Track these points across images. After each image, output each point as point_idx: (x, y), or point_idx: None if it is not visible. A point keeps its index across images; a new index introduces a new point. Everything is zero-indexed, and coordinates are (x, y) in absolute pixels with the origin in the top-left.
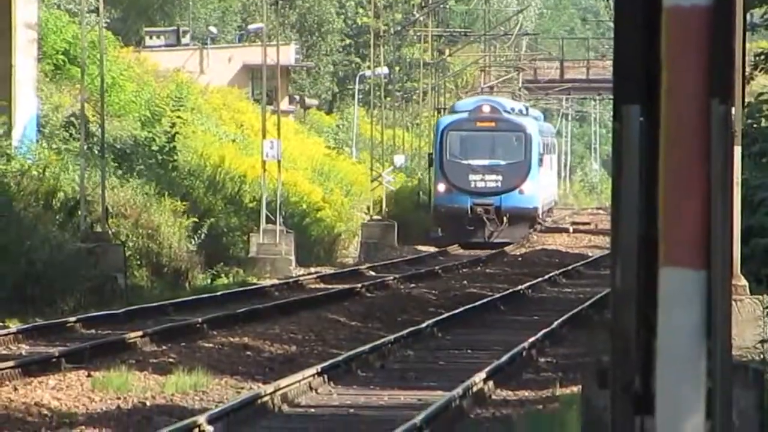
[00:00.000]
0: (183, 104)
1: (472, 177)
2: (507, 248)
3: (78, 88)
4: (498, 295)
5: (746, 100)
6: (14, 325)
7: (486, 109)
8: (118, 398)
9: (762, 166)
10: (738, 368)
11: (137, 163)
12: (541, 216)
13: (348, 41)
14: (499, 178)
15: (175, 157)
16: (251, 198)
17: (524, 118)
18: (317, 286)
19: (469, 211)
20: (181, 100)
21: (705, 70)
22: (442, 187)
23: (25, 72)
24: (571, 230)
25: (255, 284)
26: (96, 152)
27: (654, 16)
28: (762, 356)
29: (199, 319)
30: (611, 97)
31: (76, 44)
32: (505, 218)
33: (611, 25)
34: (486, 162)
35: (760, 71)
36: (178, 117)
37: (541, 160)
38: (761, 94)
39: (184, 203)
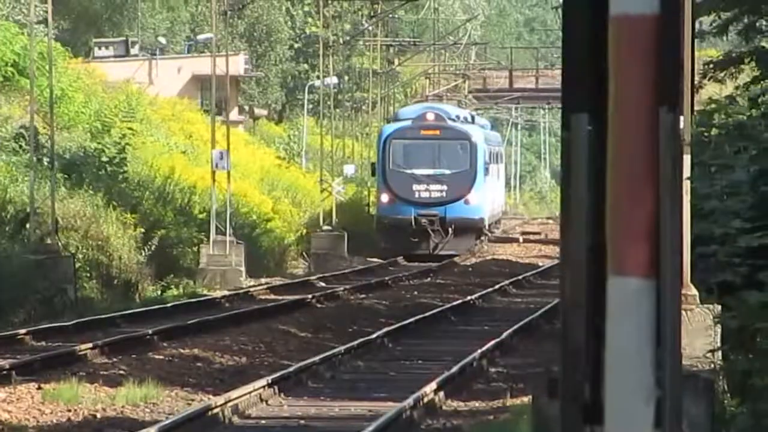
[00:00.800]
0: (133, 115)
1: (416, 187)
2: (457, 258)
3: (27, 99)
4: (448, 306)
5: (696, 108)
6: None
7: (430, 116)
8: (69, 410)
9: (711, 175)
10: (688, 378)
11: (87, 174)
12: (487, 227)
13: (297, 49)
14: (444, 187)
15: (125, 168)
16: (201, 209)
17: (470, 126)
18: (268, 297)
19: (413, 222)
20: (131, 111)
21: (653, 78)
22: (385, 197)
23: None
24: (521, 240)
25: (205, 295)
26: (46, 164)
27: (601, 24)
28: (712, 366)
29: (150, 331)
30: (560, 106)
31: (25, 55)
32: (450, 229)
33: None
34: (430, 171)
35: (708, 80)
36: (129, 128)
37: (487, 170)
38: (711, 102)
39: (133, 216)
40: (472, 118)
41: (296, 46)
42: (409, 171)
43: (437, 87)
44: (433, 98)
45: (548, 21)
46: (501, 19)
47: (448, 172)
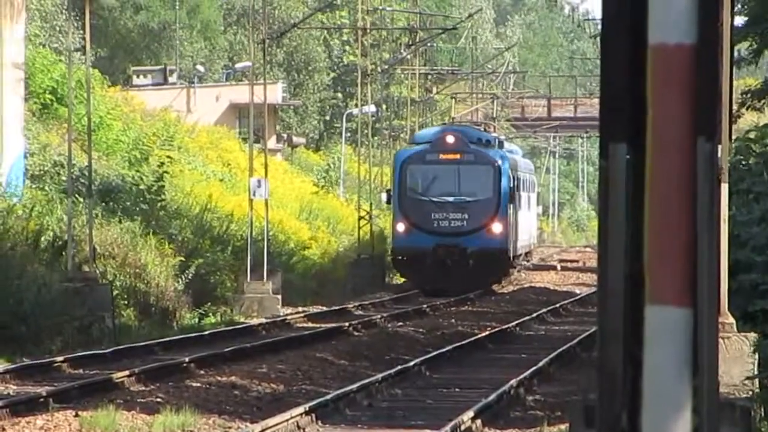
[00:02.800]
0: (171, 143)
1: (435, 215)
2: (495, 287)
3: (65, 127)
4: (486, 333)
5: (734, 136)
6: (1, 365)
7: (450, 139)
8: None
9: (749, 203)
10: (725, 406)
11: (124, 202)
12: (512, 259)
13: (335, 78)
14: (465, 216)
15: (163, 197)
16: (238, 237)
17: (493, 150)
18: (304, 324)
19: (433, 253)
20: (169, 139)
21: (691, 107)
22: (401, 226)
23: (11, 111)
24: (558, 267)
25: (242, 323)
26: (83, 192)
27: (640, 54)
28: (749, 394)
29: (187, 359)
30: (598, 134)
31: (63, 83)
32: (470, 262)
33: (598, 62)
34: (450, 198)
35: (747, 108)
36: (167, 156)
37: (512, 197)
38: (749, 131)
39: (171, 246)
40: (499, 142)
41: (333, 75)
42: (427, 198)
43: (474, 114)
44: (459, 121)
45: (587, 52)
46: (542, 49)
47: (469, 199)
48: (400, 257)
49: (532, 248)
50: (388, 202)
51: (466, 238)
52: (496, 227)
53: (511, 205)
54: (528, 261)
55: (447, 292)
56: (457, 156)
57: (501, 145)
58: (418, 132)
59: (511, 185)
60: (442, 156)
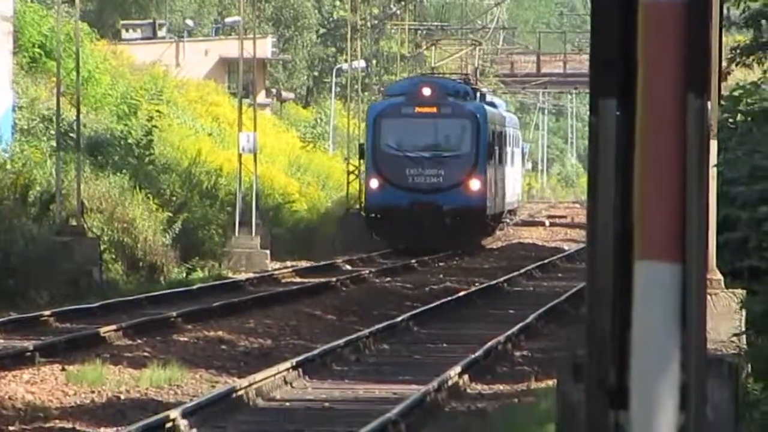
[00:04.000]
0: (160, 97)
1: (409, 171)
2: (483, 242)
3: (54, 81)
4: (474, 289)
5: (723, 94)
6: None
7: (426, 91)
8: (93, 392)
9: (738, 160)
10: (713, 362)
11: (113, 156)
12: (492, 218)
13: (324, 33)
14: (441, 172)
15: (152, 151)
16: (227, 192)
17: (472, 102)
18: (293, 279)
19: (408, 211)
20: (158, 94)
21: (681, 64)
22: (375, 183)
23: (0, 65)
24: (547, 223)
25: (230, 278)
26: (72, 145)
27: (631, 10)
28: (737, 350)
29: (174, 313)
30: (588, 91)
31: (52, 37)
32: (447, 220)
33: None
34: (426, 153)
35: (736, 65)
36: (156, 110)
37: (492, 152)
38: (734, 89)
39: (159, 201)
40: (481, 94)
41: (323, 30)
42: (401, 153)
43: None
44: (440, 72)
45: (577, 5)
46: (532, 2)
47: (446, 154)
48: (373, 215)
49: (517, 207)
50: (361, 157)
51: (443, 195)
52: (474, 184)
53: (491, 161)
54: (510, 221)
55: (422, 252)
56: (434, 109)
57: (483, 97)
58: (392, 84)
59: (491, 140)
60: (417, 109)
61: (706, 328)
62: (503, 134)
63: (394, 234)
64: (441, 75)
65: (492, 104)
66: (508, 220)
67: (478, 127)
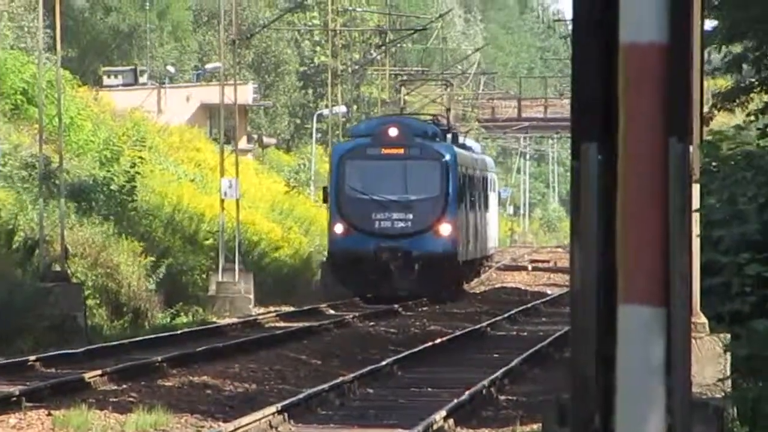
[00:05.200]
0: (143, 144)
1: (376, 215)
2: (466, 286)
3: (36, 128)
4: (458, 333)
5: (705, 138)
6: None
7: (393, 132)
8: None
9: (720, 205)
10: (698, 406)
11: (96, 202)
12: (463, 265)
13: (305, 77)
14: (410, 216)
15: (135, 197)
16: (209, 237)
17: (441, 143)
18: (277, 324)
19: (374, 257)
20: (140, 140)
21: (663, 107)
22: (339, 227)
23: None
24: (530, 268)
25: (214, 323)
26: (55, 192)
27: (611, 53)
28: (722, 394)
29: (159, 358)
30: (569, 135)
31: (34, 84)
32: (415, 266)
33: (569, 62)
34: (393, 197)
35: (719, 110)
36: (139, 157)
37: (463, 195)
38: (718, 132)
39: (141, 244)
40: (453, 135)
41: (303, 70)
42: (367, 196)
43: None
44: (411, 113)
45: (559, 49)
46: (513, 47)
47: (413, 197)
48: (337, 262)
49: (492, 253)
50: (325, 201)
51: (411, 241)
52: (445, 229)
53: (463, 205)
54: (487, 268)
55: (390, 300)
56: (401, 150)
57: (455, 138)
58: (358, 124)
59: (462, 183)
60: (384, 150)
61: (691, 371)
62: (476, 177)
63: (361, 281)
64: (409, 115)
65: (464, 146)
66: (484, 267)
67: (447, 169)
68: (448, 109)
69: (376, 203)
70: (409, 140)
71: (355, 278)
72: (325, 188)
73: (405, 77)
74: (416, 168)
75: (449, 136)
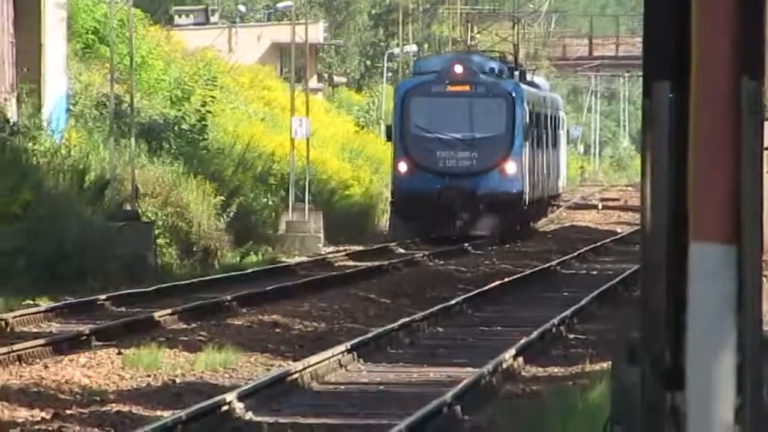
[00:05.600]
0: (215, 83)
1: (441, 154)
2: (538, 224)
3: (107, 67)
4: (528, 272)
5: None
6: (44, 303)
7: (458, 69)
8: (149, 376)
9: None
10: None
11: (167, 141)
12: (529, 204)
13: (376, 17)
14: (475, 155)
15: (206, 136)
16: (280, 176)
17: (507, 80)
18: (346, 263)
19: (439, 197)
20: (212, 79)
21: (735, 46)
22: (403, 166)
23: (54, 51)
24: (600, 207)
25: (284, 262)
26: (125, 131)
27: None
28: None
29: (229, 297)
30: (641, 74)
31: (105, 23)
32: (480, 206)
33: (642, 0)
34: (458, 135)
35: None
36: (210, 97)
37: (530, 134)
38: None
39: (213, 184)
40: (521, 72)
41: (375, 12)
42: (432, 134)
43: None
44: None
45: None
46: None
47: (479, 135)
48: (401, 201)
49: (560, 193)
50: (389, 139)
51: (476, 180)
52: (510, 167)
53: (528, 143)
54: (555, 208)
55: (454, 240)
56: (467, 87)
57: (523, 76)
58: (422, 60)
59: (529, 121)
60: (449, 88)
61: (762, 310)
62: (543, 115)
63: (425, 221)
64: (476, 52)
65: (532, 83)
66: (552, 207)
67: (513, 107)
68: (516, 45)
69: (441, 141)
70: (475, 77)
71: (419, 218)
72: (389, 126)
73: (472, 15)
74: (482, 105)
75: (516, 73)
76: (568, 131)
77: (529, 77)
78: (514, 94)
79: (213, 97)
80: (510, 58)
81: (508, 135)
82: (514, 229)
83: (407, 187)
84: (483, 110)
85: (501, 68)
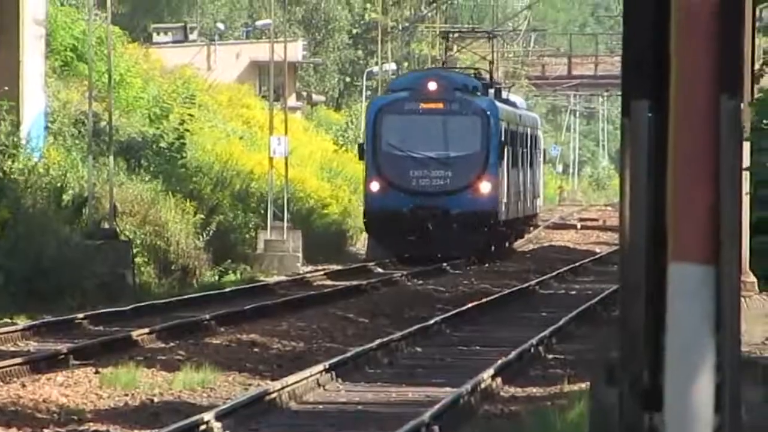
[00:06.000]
0: (193, 101)
1: (413, 172)
2: (516, 244)
3: (86, 84)
4: (506, 292)
5: (756, 96)
6: (22, 322)
7: (432, 86)
8: (126, 395)
9: None
10: (747, 364)
11: (145, 159)
12: (503, 223)
13: (355, 35)
14: (448, 173)
15: (184, 155)
16: (258, 195)
17: (482, 98)
18: (324, 282)
19: (411, 216)
20: (191, 98)
21: (714, 65)
22: (375, 185)
23: (33, 68)
24: (578, 226)
25: (262, 281)
26: (104, 149)
27: (663, 10)
28: None
29: (207, 316)
30: (619, 93)
31: (84, 40)
32: (454, 225)
33: (621, 19)
34: (431, 153)
35: None
36: (188, 114)
37: (505, 152)
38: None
39: (192, 203)
40: (496, 90)
41: (354, 31)
42: (405, 153)
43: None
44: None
45: (611, 5)
46: (564, 4)
47: (453, 154)
48: (373, 220)
49: (536, 213)
50: (361, 158)
51: (450, 199)
52: (485, 186)
53: (504, 162)
54: (530, 229)
55: (427, 261)
56: (440, 105)
57: (498, 93)
58: (396, 78)
59: (504, 139)
60: (422, 105)
61: (741, 330)
62: (519, 133)
63: (397, 241)
64: (450, 69)
65: (508, 101)
66: (528, 228)
67: (488, 125)
68: (492, 63)
69: (414, 160)
70: (449, 94)
71: (391, 238)
72: (361, 144)
73: (449, 32)
74: (456, 123)
75: (492, 91)
76: (545, 150)
77: (504, 95)
78: (488, 112)
79: (191, 115)
80: (486, 75)
81: (482, 153)
82: (488, 249)
83: (379, 207)
84: (457, 128)
85: (475, 85)
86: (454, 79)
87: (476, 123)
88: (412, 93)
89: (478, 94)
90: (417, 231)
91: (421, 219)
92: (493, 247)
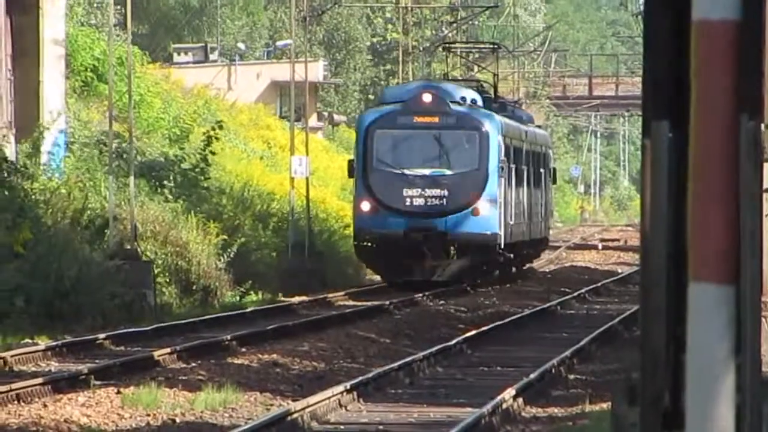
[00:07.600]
0: (221, 124)
1: (407, 192)
2: (536, 265)
3: (106, 105)
4: (527, 312)
5: None
6: (43, 342)
7: (427, 98)
8: (148, 415)
9: None
10: None
11: (166, 180)
12: (503, 246)
13: (376, 54)
14: (444, 193)
15: (207, 176)
16: (280, 215)
17: (481, 111)
18: (346, 303)
19: (405, 239)
20: (219, 123)
21: (734, 85)
22: (366, 205)
23: (53, 88)
24: (600, 247)
25: (284, 301)
26: (125, 170)
27: (683, 30)
28: None
29: (228, 336)
30: (640, 114)
31: (104, 61)
32: (452, 249)
33: (641, 39)
34: (426, 171)
35: None
36: (214, 135)
37: (507, 170)
38: None
39: (216, 225)
40: (499, 104)
41: (374, 46)
42: (397, 170)
43: (517, 93)
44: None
45: (632, 23)
46: (584, 24)
47: (449, 172)
48: (363, 243)
49: (544, 237)
50: (351, 175)
51: (447, 221)
52: (484, 207)
53: (505, 181)
54: (541, 252)
55: (422, 287)
56: (436, 119)
57: (503, 107)
58: (388, 89)
59: (507, 156)
60: (416, 119)
61: (761, 350)
62: (525, 151)
63: (389, 266)
64: (450, 80)
65: (513, 116)
66: (534, 253)
67: (488, 141)
68: (496, 75)
69: (407, 178)
70: (445, 107)
71: (383, 262)
72: (350, 161)
73: (451, 45)
74: (452, 138)
75: (495, 105)
76: (554, 170)
77: (510, 109)
78: (488, 127)
79: (217, 138)
80: (488, 87)
81: (481, 171)
82: (490, 275)
83: (369, 228)
84: (454, 144)
85: (474, 98)
86: (451, 91)
87: (474, 138)
88: (405, 105)
89: (478, 106)
90: (411, 255)
91: (415, 242)
92: (496, 272)
